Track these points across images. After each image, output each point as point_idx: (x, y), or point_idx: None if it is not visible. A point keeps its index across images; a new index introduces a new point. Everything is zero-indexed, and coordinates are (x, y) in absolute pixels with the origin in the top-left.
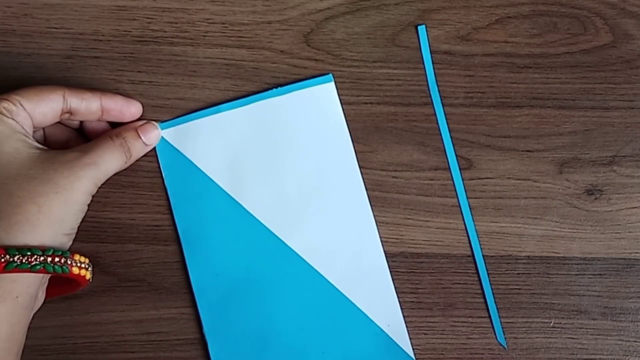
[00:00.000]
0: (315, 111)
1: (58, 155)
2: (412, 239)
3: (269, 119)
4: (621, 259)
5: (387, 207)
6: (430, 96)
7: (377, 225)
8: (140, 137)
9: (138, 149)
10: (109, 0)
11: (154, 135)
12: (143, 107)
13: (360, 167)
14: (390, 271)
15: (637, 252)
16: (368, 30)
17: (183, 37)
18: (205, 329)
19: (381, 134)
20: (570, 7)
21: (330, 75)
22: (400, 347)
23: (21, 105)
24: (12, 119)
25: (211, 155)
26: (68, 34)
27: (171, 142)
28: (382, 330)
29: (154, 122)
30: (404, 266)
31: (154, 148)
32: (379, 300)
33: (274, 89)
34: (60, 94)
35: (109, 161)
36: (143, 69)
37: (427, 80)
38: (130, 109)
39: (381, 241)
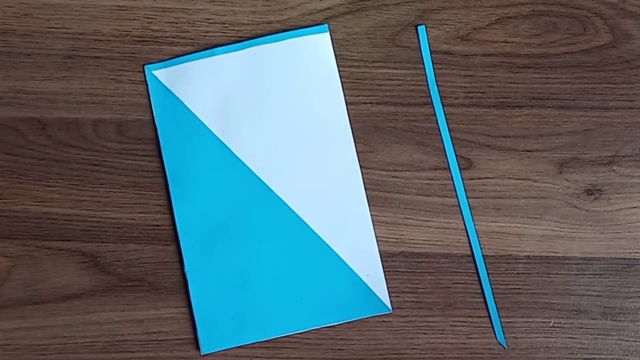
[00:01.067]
0: (309, 60)
1: None
2: (412, 239)
3: (262, 65)
4: (621, 259)
5: (387, 207)
6: (430, 96)
7: (362, 174)
8: None
9: None
10: (109, 0)
11: None
12: (143, 107)
13: (360, 166)
14: (374, 225)
15: (637, 252)
16: (368, 30)
17: (183, 37)
18: (187, 269)
19: (381, 134)
20: (570, 7)
21: (326, 25)
22: (377, 296)
23: None
24: None
25: (203, 98)
26: (68, 34)
27: (164, 83)
28: (360, 279)
29: None
30: (404, 266)
31: (147, 89)
32: (359, 250)
33: (269, 36)
34: None
35: None
36: (143, 69)
37: (427, 80)
38: None
39: (365, 192)
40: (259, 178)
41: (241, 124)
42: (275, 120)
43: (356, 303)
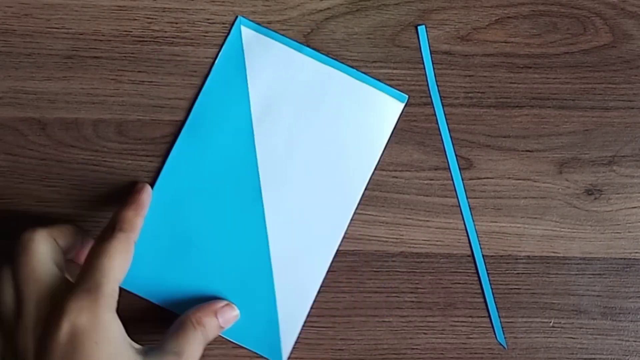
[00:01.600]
0: (372, 114)
1: None
2: (412, 239)
3: (331, 89)
4: (621, 259)
5: (387, 207)
6: (430, 96)
7: (345, 233)
8: (219, 322)
9: (215, 334)
10: (109, 0)
11: (232, 318)
12: (143, 107)
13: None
14: (328, 273)
15: (637, 252)
16: (368, 30)
17: (183, 37)
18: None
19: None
20: (570, 7)
21: (407, 96)
22: (280, 344)
23: (118, 281)
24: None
25: (264, 78)
26: (68, 34)
27: (243, 41)
28: (277, 319)
29: (231, 304)
30: (404, 266)
31: (229, 33)
32: (295, 297)
33: (353, 69)
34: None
35: (197, 357)
36: (143, 69)
37: (427, 80)
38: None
39: (334, 256)
40: (258, 178)
41: (278, 122)
42: (308, 142)
43: (259, 335)
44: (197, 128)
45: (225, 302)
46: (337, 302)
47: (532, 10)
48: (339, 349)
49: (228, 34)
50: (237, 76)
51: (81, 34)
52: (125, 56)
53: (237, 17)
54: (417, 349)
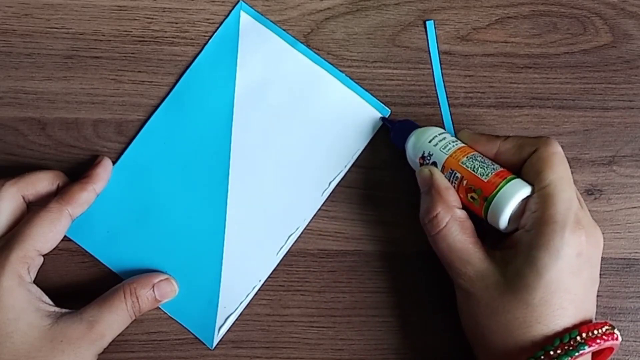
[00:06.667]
0: (352, 121)
1: (67, 330)
2: (413, 239)
3: (318, 90)
4: (621, 259)
5: (387, 207)
6: (436, 91)
7: (299, 234)
8: (155, 295)
9: (149, 306)
10: (109, 0)
11: (169, 292)
12: (143, 107)
13: (359, 166)
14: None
15: (636, 252)
16: (368, 30)
17: (183, 37)
18: (117, 164)
19: (381, 134)
20: (570, 7)
21: (389, 110)
22: (213, 329)
23: (35, 250)
24: (30, 281)
25: (254, 65)
26: (68, 34)
27: (240, 26)
28: (217, 304)
29: (171, 278)
30: (404, 266)
31: (228, 15)
32: (240, 285)
33: (342, 73)
34: (66, 214)
35: (116, 328)
36: (143, 69)
37: (433, 75)
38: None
39: (282, 257)
40: (229, 162)
41: (259, 111)
42: (284, 135)
43: (196, 314)
44: (178, 103)
45: (165, 276)
46: (337, 302)
47: (532, 10)
48: (339, 349)
49: (227, 16)
50: (228, 59)
51: (81, 34)
52: (125, 56)
53: (239, 1)
54: (417, 349)
